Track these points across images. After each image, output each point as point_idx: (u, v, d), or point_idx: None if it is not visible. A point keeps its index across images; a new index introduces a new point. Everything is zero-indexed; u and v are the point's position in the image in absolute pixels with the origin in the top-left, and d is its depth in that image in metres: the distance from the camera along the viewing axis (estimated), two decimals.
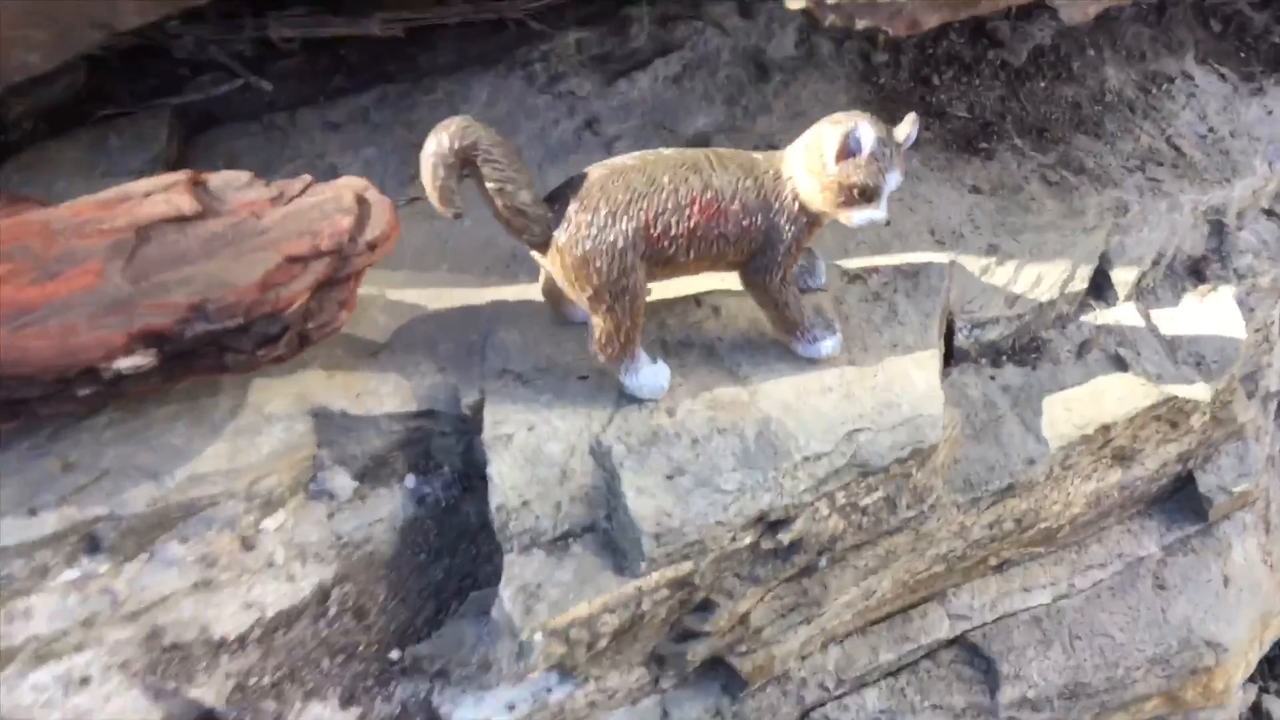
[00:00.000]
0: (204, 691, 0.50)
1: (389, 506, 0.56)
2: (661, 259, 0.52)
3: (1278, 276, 0.77)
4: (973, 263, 0.67)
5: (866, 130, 0.49)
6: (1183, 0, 0.88)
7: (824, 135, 0.51)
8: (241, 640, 0.51)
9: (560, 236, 0.51)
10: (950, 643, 0.65)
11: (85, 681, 0.50)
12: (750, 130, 0.71)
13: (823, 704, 0.62)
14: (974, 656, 0.65)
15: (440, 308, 0.60)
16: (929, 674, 0.64)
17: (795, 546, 0.55)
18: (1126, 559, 0.69)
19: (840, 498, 0.55)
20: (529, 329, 0.58)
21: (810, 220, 0.53)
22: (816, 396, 0.56)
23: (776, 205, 0.52)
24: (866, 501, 0.57)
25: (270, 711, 0.51)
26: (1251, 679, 1.00)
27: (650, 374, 0.55)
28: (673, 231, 0.51)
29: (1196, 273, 0.75)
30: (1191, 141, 0.78)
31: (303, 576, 0.53)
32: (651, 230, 0.51)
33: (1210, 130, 0.80)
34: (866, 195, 0.51)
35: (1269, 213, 0.81)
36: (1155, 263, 0.72)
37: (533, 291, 0.60)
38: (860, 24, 0.54)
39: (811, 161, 0.51)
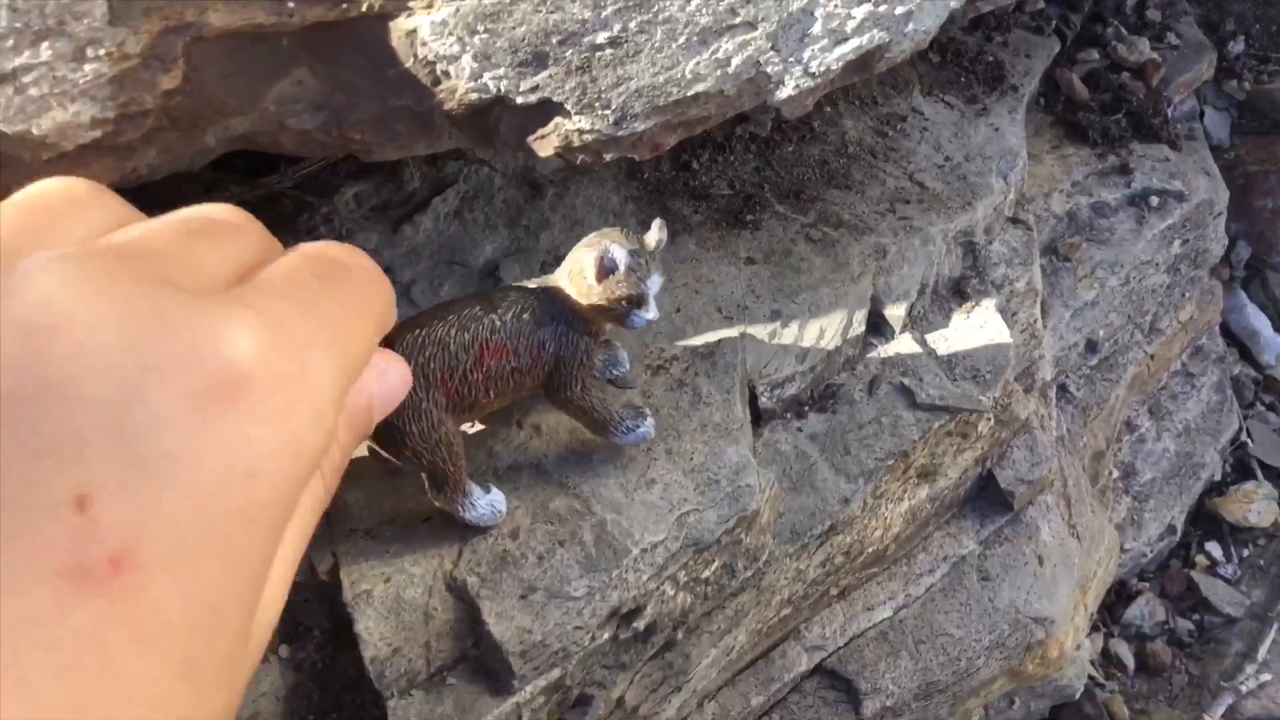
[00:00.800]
0: None
1: (269, 679, 0.59)
2: (465, 405, 0.55)
3: (1031, 279, 0.85)
4: (761, 330, 0.73)
5: (618, 250, 0.53)
6: None
7: (582, 261, 0.55)
8: None
9: None
10: (811, 673, 0.71)
11: None
12: (535, 248, 0.76)
13: None
14: (834, 680, 0.70)
15: None
16: (797, 705, 0.69)
17: (650, 629, 0.60)
18: (951, 559, 0.76)
19: (682, 576, 0.60)
20: (366, 486, 0.62)
21: (593, 333, 0.57)
22: (643, 490, 0.61)
23: (559, 327, 0.56)
24: (707, 574, 0.62)
25: None
26: (1096, 628, 1.09)
27: (486, 504, 0.58)
28: (468, 381, 0.55)
29: (960, 293, 0.82)
30: (932, 174, 0.86)
31: None
32: (448, 385, 0.54)
33: (946, 159, 0.88)
34: (633, 302, 0.55)
35: (1014, 220, 0.90)
36: (921, 293, 0.79)
37: (360, 451, 0.64)
38: (608, 156, 0.60)
39: (579, 286, 0.55)
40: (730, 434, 0.65)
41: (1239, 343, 1.19)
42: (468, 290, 0.73)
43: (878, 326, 0.77)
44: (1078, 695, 0.95)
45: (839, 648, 0.71)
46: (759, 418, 0.71)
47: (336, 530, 0.61)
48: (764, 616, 0.67)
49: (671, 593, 0.60)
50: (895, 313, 0.77)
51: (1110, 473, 0.98)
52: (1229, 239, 1.19)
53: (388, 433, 0.55)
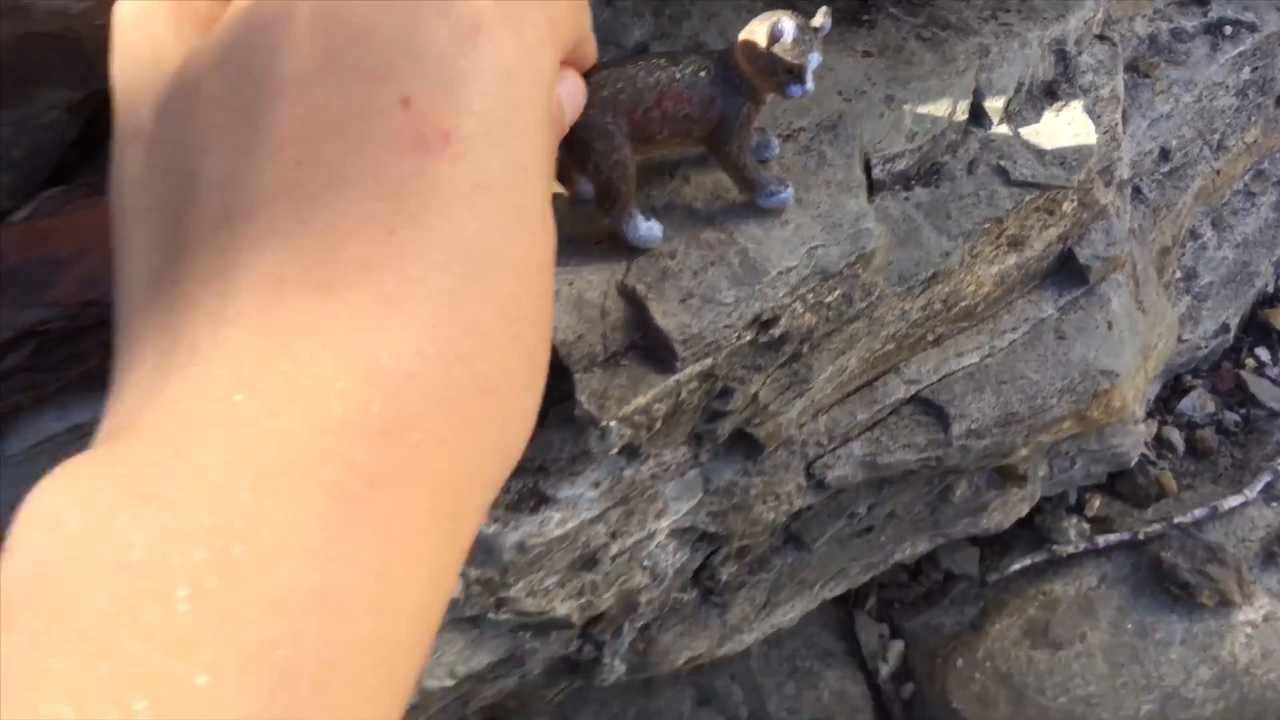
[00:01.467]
0: None
1: None
2: (642, 137, 0.65)
3: (1114, 87, 0.95)
4: (876, 112, 0.85)
5: (787, 22, 0.61)
6: None
7: (755, 30, 0.63)
8: None
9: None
10: (908, 401, 0.84)
11: None
12: (678, 34, 0.86)
13: (820, 457, 0.80)
14: (928, 407, 0.82)
15: None
16: (896, 425, 0.82)
17: (783, 338, 0.73)
18: (1032, 321, 0.87)
19: (810, 298, 0.73)
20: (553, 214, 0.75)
21: (755, 99, 0.65)
22: (779, 229, 0.73)
23: (728, 89, 0.64)
24: (829, 299, 0.74)
25: None
26: (1151, 415, 1.22)
27: (646, 228, 0.68)
28: (649, 116, 0.64)
29: (1051, 94, 0.93)
30: None
31: None
32: (632, 115, 0.63)
33: None
34: (794, 74, 0.63)
35: (1101, 37, 1.00)
36: (1017, 90, 0.89)
37: (552, 187, 0.76)
38: None
39: (749, 51, 0.63)
40: (851, 189, 0.77)
41: None
42: None
43: (978, 117, 0.88)
44: (1132, 464, 1.08)
45: (933, 382, 0.84)
46: (871, 188, 0.83)
47: None
48: (872, 347, 0.80)
49: (801, 310, 0.73)
50: (994, 105, 0.88)
51: (1174, 272, 1.10)
52: None
53: (578, 146, 0.66)
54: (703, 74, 0.66)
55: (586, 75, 0.67)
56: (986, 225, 0.82)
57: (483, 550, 0.71)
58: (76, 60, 0.62)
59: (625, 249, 0.73)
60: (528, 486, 0.72)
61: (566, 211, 0.75)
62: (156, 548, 0.28)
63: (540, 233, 0.43)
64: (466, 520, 0.38)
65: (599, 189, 0.69)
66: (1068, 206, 0.86)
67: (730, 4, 0.90)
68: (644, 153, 0.70)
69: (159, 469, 0.30)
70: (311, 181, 0.37)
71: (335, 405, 0.33)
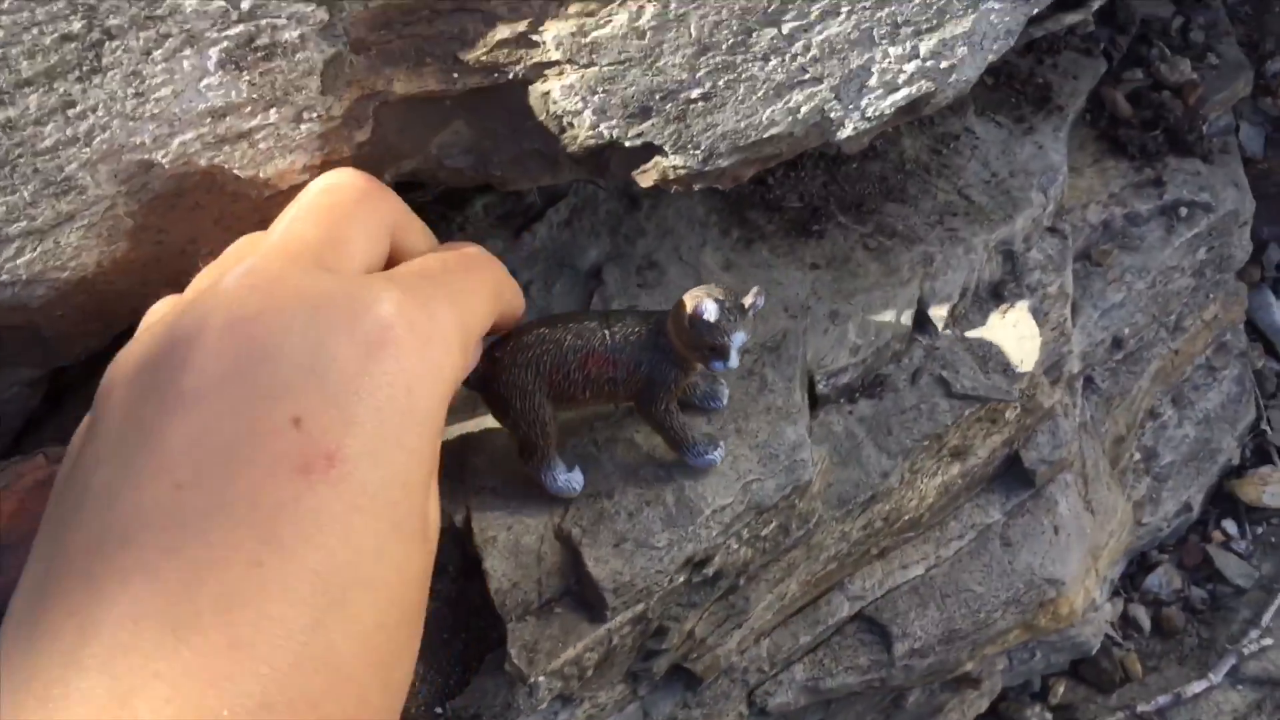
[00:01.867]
0: None
1: None
2: (564, 397, 0.66)
3: (1063, 283, 0.96)
4: (820, 328, 0.86)
5: (710, 303, 0.62)
6: None
7: (682, 304, 0.64)
8: None
9: (486, 383, 0.66)
10: (852, 619, 0.83)
11: None
12: (633, 253, 0.88)
13: (762, 683, 0.79)
14: (871, 625, 0.82)
15: None
16: (839, 645, 0.82)
17: (718, 575, 0.73)
18: (978, 528, 0.87)
19: (745, 533, 0.73)
20: (494, 453, 0.75)
21: (684, 366, 0.67)
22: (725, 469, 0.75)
23: (656, 354, 0.66)
24: (765, 531, 0.74)
25: None
26: (1117, 594, 1.21)
27: (565, 479, 0.69)
28: (571, 379, 0.66)
29: (997, 295, 0.93)
30: (978, 189, 0.97)
31: None
32: (554, 377, 0.65)
33: (993, 175, 0.99)
34: (717, 351, 0.64)
35: (1052, 230, 1.01)
36: (962, 296, 0.90)
37: (489, 422, 0.77)
38: (697, 187, 0.73)
39: (676, 325, 0.65)
40: (790, 416, 0.77)
41: (1264, 339, 1.29)
42: (575, 288, 0.87)
43: (922, 325, 0.89)
44: (1094, 651, 1.07)
45: (877, 598, 0.84)
46: (815, 402, 0.84)
47: (469, 487, 0.75)
48: (813, 569, 0.80)
49: (736, 546, 0.73)
50: (939, 313, 0.89)
51: (1132, 455, 1.10)
52: (1262, 243, 1.29)
53: (498, 402, 0.68)
54: (631, 338, 0.68)
55: (515, 332, 0.68)
56: (926, 442, 0.82)
57: None
58: (36, 344, 0.65)
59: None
60: None
61: (511, 451, 0.75)
62: None
63: (416, 544, 0.44)
64: None
65: (519, 442, 0.70)
66: (1010, 414, 0.87)
67: (683, 221, 0.92)
68: (567, 409, 0.71)
69: None
70: (187, 508, 0.38)
71: None
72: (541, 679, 0.68)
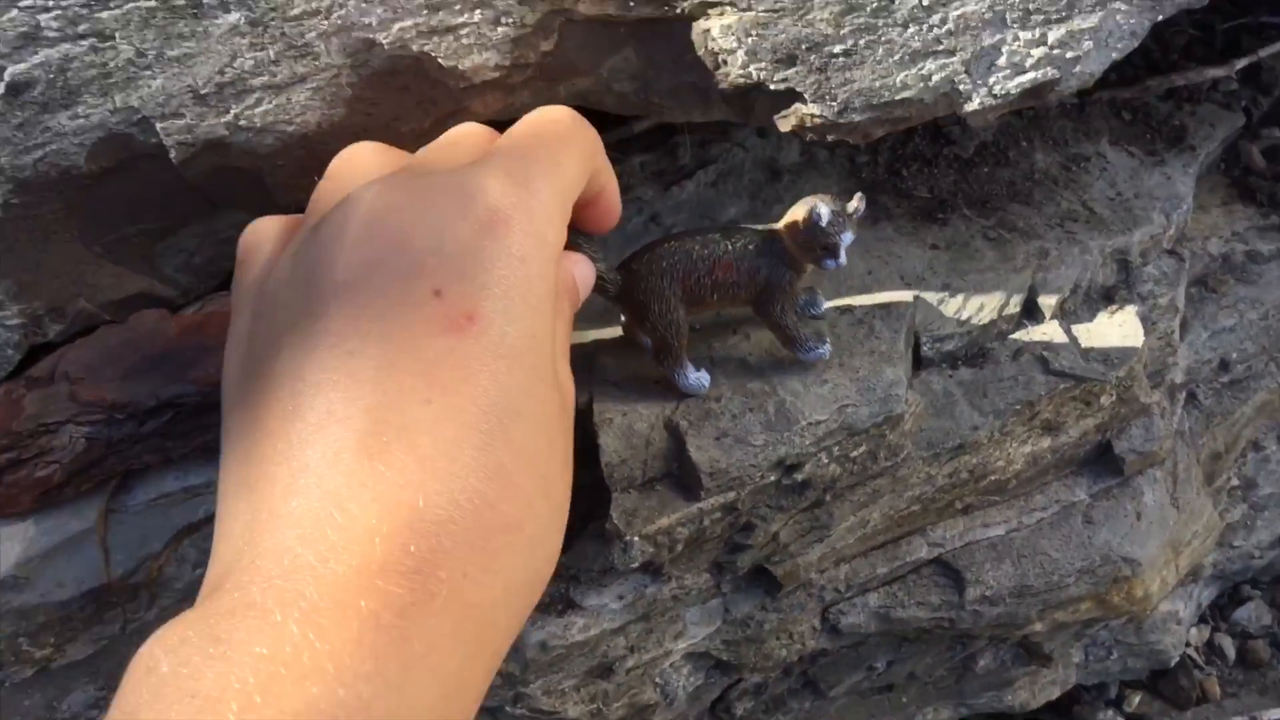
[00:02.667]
0: None
1: None
2: (695, 300, 0.74)
3: (1174, 298, 1.01)
4: (932, 297, 0.92)
5: (823, 207, 0.70)
6: (1100, 99, 1.16)
7: (796, 211, 0.72)
8: None
9: (626, 292, 0.75)
10: (929, 562, 0.88)
11: None
12: (767, 215, 0.96)
13: (837, 602, 0.86)
14: (947, 570, 0.87)
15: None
16: (914, 582, 0.87)
17: (806, 484, 0.80)
18: (1063, 503, 0.91)
19: (835, 450, 0.80)
20: (619, 355, 0.82)
21: (796, 269, 0.74)
22: (817, 386, 0.81)
23: (773, 260, 0.73)
24: (855, 454, 0.81)
25: None
26: (1204, 621, 1.23)
27: (695, 378, 0.77)
28: (701, 283, 0.74)
29: (1108, 297, 0.99)
30: (1102, 204, 1.03)
31: None
32: (686, 282, 0.73)
33: (1118, 194, 1.05)
34: (829, 250, 0.72)
35: (1170, 252, 1.06)
36: (1074, 291, 0.95)
37: (620, 332, 0.86)
38: (830, 137, 0.80)
39: (791, 229, 0.72)
40: (891, 360, 0.84)
41: None
42: None
43: (1031, 311, 0.95)
44: (1173, 663, 1.10)
45: (956, 548, 0.90)
46: (920, 363, 0.91)
47: (594, 379, 0.84)
48: (896, 505, 0.87)
49: (825, 461, 0.80)
50: (1048, 302, 0.95)
51: (1229, 480, 1.12)
52: None
53: (637, 308, 0.76)
54: (750, 248, 0.77)
55: (648, 246, 0.77)
56: (1018, 407, 0.88)
57: None
58: (258, 190, 0.76)
59: (677, 393, 0.82)
60: (558, 591, 0.80)
61: (633, 356, 0.84)
62: (220, 678, 0.38)
63: (551, 388, 0.53)
64: (490, 643, 0.45)
65: (655, 344, 0.79)
66: (1105, 400, 0.92)
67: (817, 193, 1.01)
68: (697, 313, 0.80)
69: (234, 617, 0.40)
70: (361, 368, 0.47)
71: (378, 549, 0.42)
72: (636, 540, 0.76)
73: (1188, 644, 1.19)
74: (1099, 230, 1.00)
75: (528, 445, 0.48)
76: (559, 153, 0.60)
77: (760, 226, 0.80)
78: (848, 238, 0.74)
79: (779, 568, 0.84)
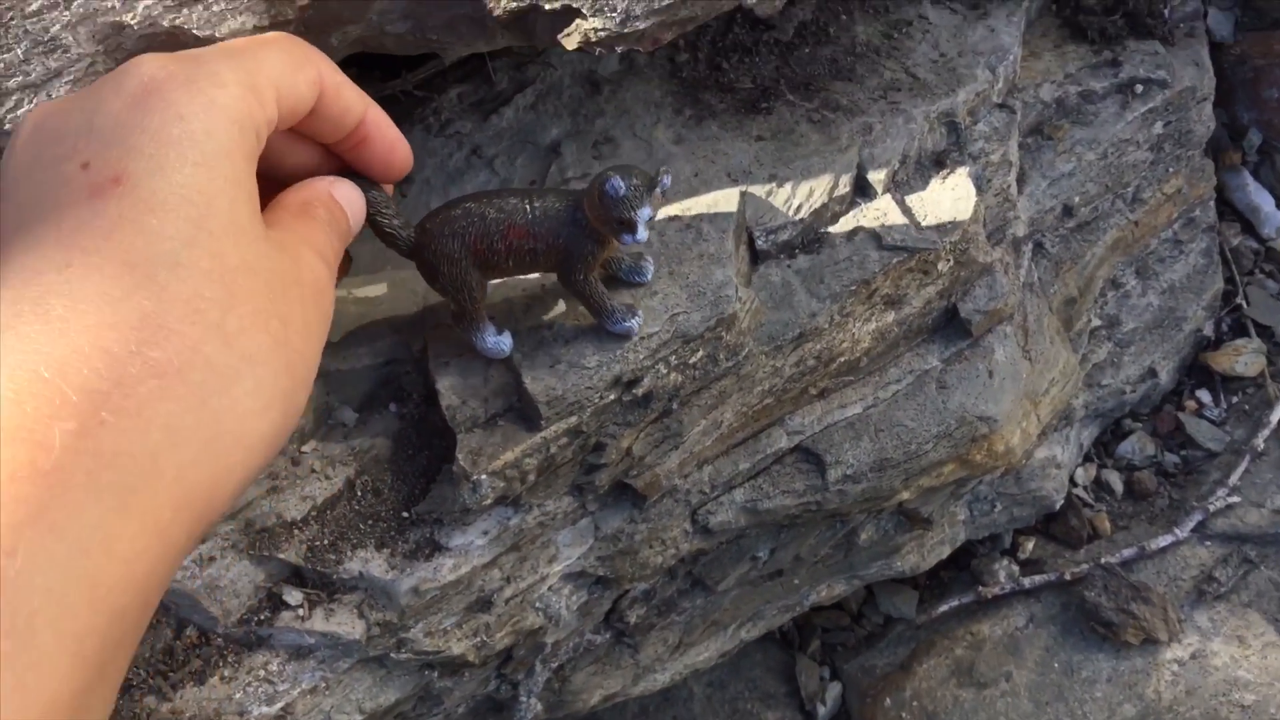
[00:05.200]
0: (288, 554, 0.79)
1: (383, 425, 0.83)
2: (487, 265, 0.73)
3: (1006, 151, 1.01)
4: (761, 189, 0.91)
5: (618, 180, 0.67)
6: None
7: (592, 184, 0.70)
8: (305, 520, 0.80)
9: (418, 251, 0.73)
10: (790, 451, 0.90)
11: (212, 559, 0.79)
12: (590, 130, 0.96)
13: (705, 504, 0.87)
14: (808, 456, 0.89)
15: (387, 294, 0.87)
16: (777, 473, 0.89)
17: (649, 397, 0.81)
18: (916, 373, 0.92)
19: (673, 360, 0.80)
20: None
21: (600, 240, 0.72)
22: (647, 299, 0.81)
23: (575, 229, 0.71)
24: (693, 360, 0.81)
25: (332, 559, 0.79)
26: (1089, 459, 1.26)
27: (494, 341, 0.77)
28: (494, 248, 0.72)
29: (940, 163, 0.99)
30: (926, 68, 1.02)
31: (335, 476, 0.80)
32: (478, 247, 0.71)
33: (942, 55, 1.04)
34: (625, 225, 0.69)
35: (1001, 106, 1.06)
36: (903, 162, 0.95)
37: None
38: (619, 49, 0.80)
39: (589, 202, 0.70)
40: (720, 261, 0.85)
41: (1242, 218, 1.32)
42: (535, 161, 0.96)
43: (864, 189, 0.95)
44: (1058, 506, 1.13)
45: (815, 433, 0.91)
46: (757, 258, 0.92)
47: (428, 324, 0.84)
48: (747, 401, 0.88)
49: (665, 371, 0.81)
50: (877, 177, 0.95)
51: (1090, 320, 1.15)
52: (1242, 127, 1.32)
53: (427, 268, 0.74)
54: (551, 213, 0.73)
55: (444, 206, 0.75)
56: (854, 287, 0.89)
57: (382, 595, 0.81)
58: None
59: (511, 326, 0.82)
60: (423, 536, 0.82)
61: None
62: None
63: (228, 238, 0.50)
64: (152, 491, 0.43)
65: (451, 306, 0.77)
66: (943, 266, 0.93)
67: (640, 103, 1.00)
68: (493, 277, 0.78)
69: None
70: (8, 257, 0.47)
71: (6, 410, 0.40)
72: (484, 477, 0.77)
73: (1075, 484, 1.22)
74: (923, 96, 1.00)
75: (186, 293, 0.47)
76: (250, 45, 0.57)
77: (569, 190, 0.78)
78: (645, 213, 0.70)
79: (639, 480, 0.85)
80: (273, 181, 0.61)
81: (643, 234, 0.70)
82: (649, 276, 0.82)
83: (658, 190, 0.71)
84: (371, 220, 0.69)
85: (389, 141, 0.66)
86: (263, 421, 0.49)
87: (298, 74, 0.57)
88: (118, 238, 0.47)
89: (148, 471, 0.43)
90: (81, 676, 0.39)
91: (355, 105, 0.62)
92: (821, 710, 1.20)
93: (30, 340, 0.43)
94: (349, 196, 0.63)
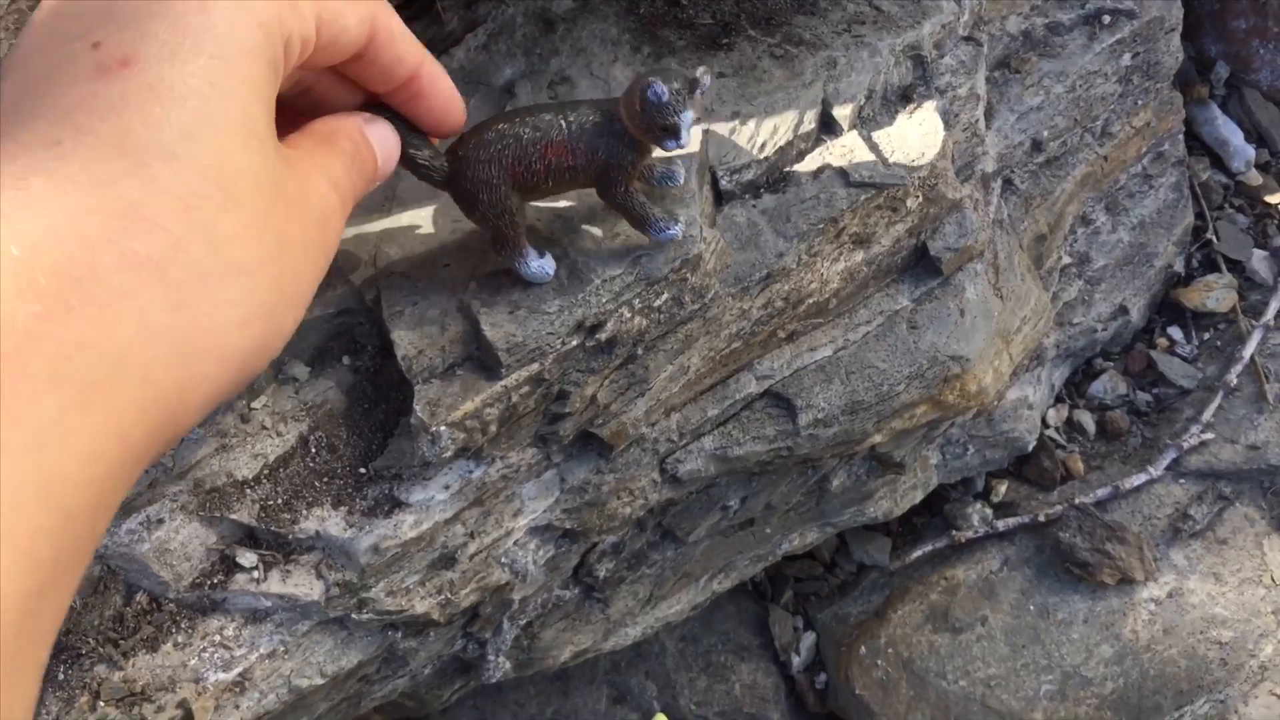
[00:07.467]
0: (240, 515, 0.76)
1: (336, 378, 0.79)
2: (528, 188, 0.70)
3: (974, 85, 0.99)
4: (724, 128, 0.89)
5: (660, 85, 0.65)
6: None
7: (632, 90, 0.67)
8: (257, 479, 0.77)
9: (454, 180, 0.70)
10: (760, 396, 0.88)
11: (160, 522, 0.76)
12: (545, 70, 0.93)
13: (673, 452, 0.85)
14: (778, 400, 0.86)
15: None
16: (747, 419, 0.87)
17: (612, 342, 0.78)
18: (886, 313, 0.90)
19: (637, 303, 0.78)
20: (403, 242, 0.81)
21: (638, 149, 0.70)
22: (609, 241, 0.79)
23: (612, 140, 0.69)
24: (658, 303, 0.79)
25: (287, 519, 0.76)
26: (1061, 400, 1.25)
27: (538, 265, 0.74)
28: (533, 169, 0.69)
29: (906, 97, 0.97)
30: (889, 1, 1.01)
31: (287, 432, 0.77)
32: (516, 169, 0.69)
33: None
34: (669, 131, 0.67)
35: (967, 39, 1.04)
36: (869, 97, 0.93)
37: (404, 220, 0.82)
38: None
39: (628, 108, 0.67)
40: (683, 200, 0.82)
41: (1211, 152, 1.31)
42: (488, 103, 0.93)
43: (830, 126, 0.93)
44: (1030, 448, 1.11)
45: (784, 377, 0.89)
46: (721, 198, 0.89)
47: (380, 273, 0.81)
48: (715, 345, 0.85)
49: (629, 315, 0.78)
50: (843, 113, 0.92)
51: (1060, 258, 1.13)
52: (1210, 60, 1.30)
53: (465, 198, 0.71)
54: (587, 126, 0.70)
55: (476, 128, 0.72)
56: (821, 225, 0.86)
57: (340, 554, 0.78)
58: None
59: (469, 268, 0.79)
60: (382, 492, 0.79)
61: (420, 243, 0.81)
62: None
63: (235, 139, 0.48)
64: (118, 387, 0.41)
65: (490, 234, 0.74)
66: (912, 203, 0.91)
67: (597, 41, 0.97)
68: (533, 199, 0.75)
69: None
70: (6, 130, 0.44)
71: None
72: (443, 429, 0.74)
73: (1047, 425, 1.21)
74: (888, 29, 0.97)
75: (179, 188, 0.44)
76: None
77: (603, 100, 0.74)
78: (689, 117, 0.68)
79: (604, 429, 0.83)
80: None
81: (686, 138, 0.68)
82: (681, 180, 0.80)
83: (698, 92, 0.68)
84: (403, 154, 0.66)
85: (444, 99, 0.64)
86: (242, 336, 0.47)
87: (346, 5, 0.55)
88: (115, 120, 0.44)
89: (113, 366, 0.40)
90: (34, 579, 0.37)
91: (409, 56, 0.60)
92: (796, 660, 1.18)
93: (3, 215, 0.40)
94: (383, 135, 0.61)
